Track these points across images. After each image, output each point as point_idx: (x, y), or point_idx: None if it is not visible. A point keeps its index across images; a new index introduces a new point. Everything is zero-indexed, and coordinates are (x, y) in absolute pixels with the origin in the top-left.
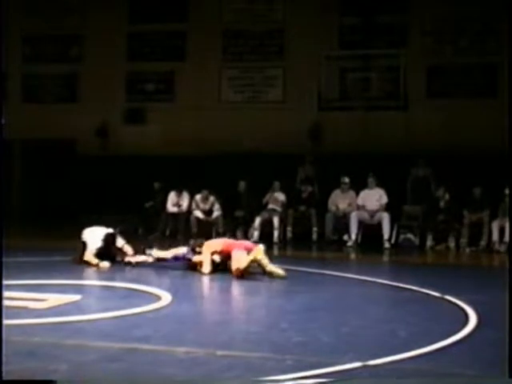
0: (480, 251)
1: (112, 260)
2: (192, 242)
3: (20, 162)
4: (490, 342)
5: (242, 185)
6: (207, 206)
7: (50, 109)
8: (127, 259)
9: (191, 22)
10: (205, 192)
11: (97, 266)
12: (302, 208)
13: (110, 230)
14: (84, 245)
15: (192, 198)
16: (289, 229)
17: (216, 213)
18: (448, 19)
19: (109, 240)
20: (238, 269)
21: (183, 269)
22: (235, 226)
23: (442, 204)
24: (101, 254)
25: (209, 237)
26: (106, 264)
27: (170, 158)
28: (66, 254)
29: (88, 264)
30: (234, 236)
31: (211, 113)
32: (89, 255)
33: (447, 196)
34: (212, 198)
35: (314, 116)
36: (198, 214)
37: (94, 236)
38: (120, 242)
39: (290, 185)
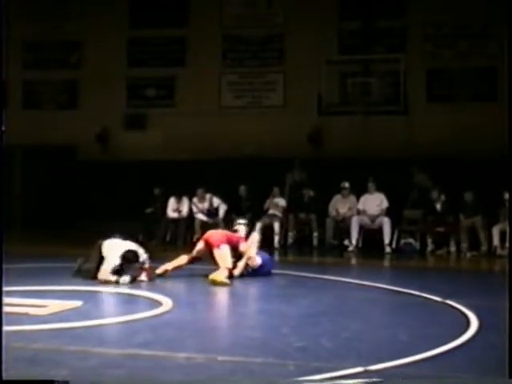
0: (481, 256)
1: (133, 279)
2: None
3: (21, 168)
4: (491, 347)
5: (243, 189)
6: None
7: (50, 115)
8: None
9: (191, 27)
10: (200, 191)
11: (116, 282)
12: (302, 215)
13: (132, 246)
14: (101, 260)
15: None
16: (289, 234)
17: (222, 207)
18: (447, 23)
19: (129, 258)
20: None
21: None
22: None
23: (438, 207)
24: (118, 272)
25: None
26: (126, 279)
27: (170, 164)
28: (66, 260)
29: (106, 282)
30: None
31: (211, 118)
32: (104, 274)
33: (443, 197)
34: (209, 195)
35: (314, 121)
36: (201, 217)
37: (112, 252)
38: (143, 256)
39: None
